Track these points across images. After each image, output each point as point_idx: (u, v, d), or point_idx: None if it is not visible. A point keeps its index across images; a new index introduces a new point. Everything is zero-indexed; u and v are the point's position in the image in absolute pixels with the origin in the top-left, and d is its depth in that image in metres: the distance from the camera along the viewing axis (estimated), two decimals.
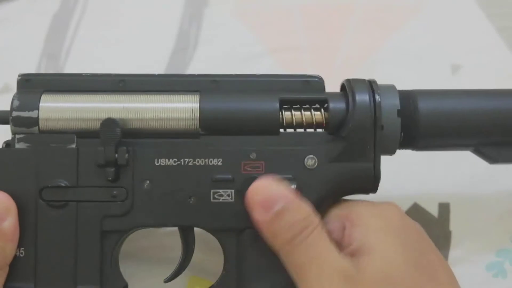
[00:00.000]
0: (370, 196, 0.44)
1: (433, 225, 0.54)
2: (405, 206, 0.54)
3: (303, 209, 0.40)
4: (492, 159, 0.45)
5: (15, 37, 0.61)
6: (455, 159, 0.53)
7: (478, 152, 0.45)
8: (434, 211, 0.54)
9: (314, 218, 0.40)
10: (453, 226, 0.54)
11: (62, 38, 0.61)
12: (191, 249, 0.45)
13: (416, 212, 0.54)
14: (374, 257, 0.39)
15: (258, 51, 0.60)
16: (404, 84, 0.45)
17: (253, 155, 0.42)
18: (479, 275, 0.53)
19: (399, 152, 0.45)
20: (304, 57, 0.59)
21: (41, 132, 0.43)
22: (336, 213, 0.43)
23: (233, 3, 0.62)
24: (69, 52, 0.60)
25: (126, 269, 0.45)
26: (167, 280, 0.45)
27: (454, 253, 0.53)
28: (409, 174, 0.54)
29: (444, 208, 0.54)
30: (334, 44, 0.60)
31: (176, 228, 0.44)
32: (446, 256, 0.53)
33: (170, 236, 0.52)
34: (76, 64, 0.59)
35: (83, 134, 0.42)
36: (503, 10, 0.61)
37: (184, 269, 0.45)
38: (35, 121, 0.42)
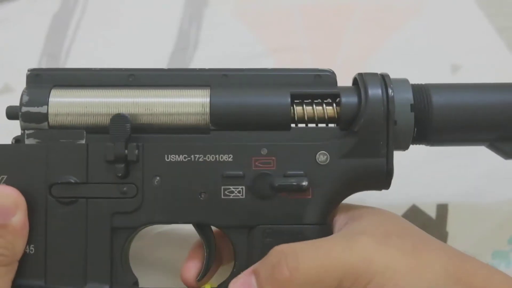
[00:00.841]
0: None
1: (431, 227, 0.54)
2: (404, 208, 0.54)
3: None
4: (507, 155, 0.44)
5: (15, 37, 0.61)
6: (456, 162, 0.53)
7: (493, 147, 0.44)
8: (432, 212, 0.54)
9: None
10: (450, 227, 0.54)
11: (62, 38, 0.61)
12: (213, 243, 0.44)
13: (414, 214, 0.54)
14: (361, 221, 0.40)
15: (258, 51, 0.60)
16: None
17: (264, 151, 0.42)
18: None
19: (400, 154, 0.45)
20: (304, 57, 0.59)
21: (51, 127, 0.42)
22: (343, 211, 0.43)
23: (233, 3, 0.62)
24: (69, 52, 0.60)
25: (136, 265, 0.45)
26: (199, 278, 0.44)
27: None
28: (408, 176, 0.54)
29: (442, 209, 0.54)
30: (334, 44, 0.60)
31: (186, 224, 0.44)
32: None
33: (180, 232, 0.52)
34: (76, 64, 0.59)
35: (93, 130, 0.42)
36: (503, 10, 0.60)
37: (211, 264, 0.44)
38: (44, 116, 0.42)
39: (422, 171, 0.55)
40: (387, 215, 0.42)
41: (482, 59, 0.59)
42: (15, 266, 0.41)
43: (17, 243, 0.41)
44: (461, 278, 0.37)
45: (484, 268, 0.39)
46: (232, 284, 0.39)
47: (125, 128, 0.41)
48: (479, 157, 0.53)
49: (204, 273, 0.44)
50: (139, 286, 0.44)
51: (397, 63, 0.59)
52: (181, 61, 0.59)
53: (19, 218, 0.41)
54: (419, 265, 0.37)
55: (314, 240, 0.39)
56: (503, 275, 0.39)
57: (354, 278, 0.37)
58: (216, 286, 0.43)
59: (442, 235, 0.54)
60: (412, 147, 0.43)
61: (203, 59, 0.59)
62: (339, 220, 0.43)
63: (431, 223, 0.54)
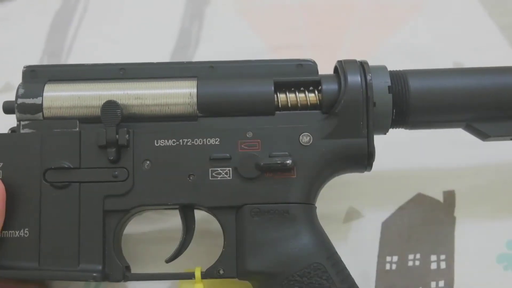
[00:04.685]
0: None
1: (439, 210, 0.52)
2: (409, 195, 0.53)
3: None
4: (483, 135, 0.46)
5: (16, 36, 0.61)
6: (460, 151, 0.53)
7: (470, 128, 0.46)
8: (439, 198, 0.53)
9: None
10: (458, 212, 0.53)
11: (63, 37, 0.61)
12: (192, 229, 0.45)
13: (420, 200, 0.53)
14: None
15: (259, 49, 0.60)
16: None
17: (249, 134, 0.44)
18: (490, 268, 0.51)
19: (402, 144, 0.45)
20: (306, 54, 0.58)
21: (45, 118, 0.44)
22: None
23: (235, 1, 0.62)
24: (70, 51, 0.60)
25: (129, 252, 0.46)
26: (168, 260, 0.45)
27: (462, 241, 0.52)
28: (412, 164, 0.54)
29: (450, 195, 0.53)
30: (336, 42, 0.60)
31: (176, 211, 0.45)
32: (451, 242, 0.51)
33: (171, 218, 0.52)
34: (77, 62, 0.59)
35: (86, 120, 0.44)
36: (505, 8, 0.61)
37: (185, 249, 0.45)
38: (39, 107, 0.44)
39: (426, 160, 0.54)
40: None
41: (484, 57, 0.58)
42: None
43: None
44: None
45: None
46: None
47: (116, 113, 0.43)
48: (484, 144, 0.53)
49: (175, 256, 0.45)
50: (132, 272, 0.45)
51: (398, 61, 0.57)
52: (183, 59, 0.59)
53: None
54: None
55: None
56: None
57: None
58: (204, 270, 0.44)
59: (450, 220, 0.52)
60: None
61: (205, 57, 0.59)
62: None
63: (439, 206, 0.53)
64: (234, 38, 0.60)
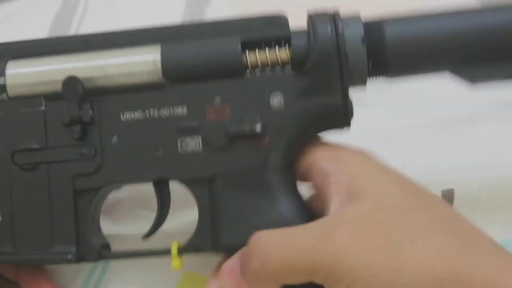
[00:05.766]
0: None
1: None
2: None
3: None
4: (470, 79, 0.43)
5: (16, 36, 0.61)
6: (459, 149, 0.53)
7: (456, 73, 0.43)
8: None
9: None
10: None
11: None
12: (166, 204, 0.44)
13: None
14: (358, 203, 0.37)
15: None
16: (406, 82, 0.45)
17: (217, 100, 0.41)
18: None
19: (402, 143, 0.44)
20: None
21: (10, 98, 0.43)
22: (318, 157, 0.40)
23: (235, 2, 0.62)
24: None
25: (108, 231, 0.45)
26: (145, 236, 0.44)
27: None
28: (411, 163, 0.54)
29: (448, 193, 0.53)
30: None
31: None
32: None
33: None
34: None
35: (51, 97, 0.43)
36: None
37: (161, 225, 0.44)
38: (3, 88, 0.43)
39: (425, 159, 0.55)
40: (397, 189, 0.38)
41: None
42: None
43: None
44: (451, 279, 0.33)
45: (488, 259, 0.34)
46: (224, 265, 0.39)
47: (77, 89, 0.41)
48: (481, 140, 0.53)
49: (152, 231, 0.44)
50: (111, 250, 0.44)
51: None
52: None
53: None
54: (398, 264, 0.34)
55: (292, 228, 0.37)
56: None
57: (325, 274, 0.35)
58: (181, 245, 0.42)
59: None
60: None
61: None
62: (338, 194, 0.39)
63: None
64: None
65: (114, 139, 0.42)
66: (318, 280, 0.35)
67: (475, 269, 0.33)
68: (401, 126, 0.52)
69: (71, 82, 0.41)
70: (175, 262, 0.42)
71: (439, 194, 0.52)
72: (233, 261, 0.39)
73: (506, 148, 0.52)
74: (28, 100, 0.43)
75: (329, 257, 0.35)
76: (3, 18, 0.62)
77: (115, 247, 0.44)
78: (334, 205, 0.38)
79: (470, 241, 0.35)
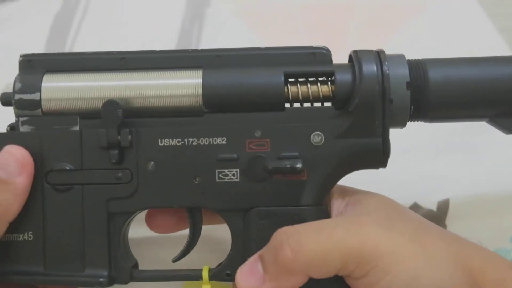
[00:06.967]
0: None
1: (430, 219, 0.53)
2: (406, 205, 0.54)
3: None
4: (508, 129, 0.43)
5: (17, 36, 0.61)
6: (457, 159, 0.53)
7: (493, 122, 0.43)
8: (433, 207, 0.54)
9: None
10: (449, 221, 0.53)
11: (64, 38, 0.61)
12: (199, 228, 0.44)
13: (414, 209, 0.53)
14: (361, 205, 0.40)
15: None
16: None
17: (258, 133, 0.41)
18: None
19: (400, 153, 0.44)
20: None
21: (44, 114, 0.42)
22: (339, 195, 0.43)
23: (235, 3, 0.62)
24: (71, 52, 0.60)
25: (135, 249, 0.45)
26: (175, 260, 0.44)
27: None
28: (409, 173, 0.54)
29: (444, 205, 0.54)
30: (336, 44, 0.59)
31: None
32: None
33: None
34: None
35: (86, 115, 0.42)
36: (505, 10, 0.60)
37: (192, 249, 0.44)
38: (37, 103, 0.42)
39: (423, 169, 0.55)
40: (385, 200, 0.42)
41: None
42: (3, 228, 0.41)
43: (13, 204, 0.40)
44: (461, 262, 0.37)
45: (480, 251, 0.39)
46: (239, 270, 0.39)
47: (117, 114, 0.41)
48: (480, 153, 0.54)
49: (182, 256, 0.44)
50: (139, 268, 0.44)
51: None
52: None
53: (22, 179, 0.40)
54: (424, 251, 0.37)
55: (317, 222, 0.39)
56: (497, 257, 0.39)
57: (358, 261, 0.36)
58: (213, 267, 0.43)
59: None
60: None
61: None
62: (337, 203, 0.42)
63: (432, 214, 0.53)
64: (235, 39, 0.60)
65: (151, 164, 0.42)
66: (347, 271, 0.37)
67: (487, 267, 0.38)
68: (398, 135, 0.52)
69: (111, 106, 0.41)
70: (205, 287, 0.43)
71: (435, 204, 0.52)
72: (250, 263, 0.39)
73: (503, 159, 0.52)
74: (62, 117, 0.42)
75: (364, 244, 0.37)
76: (4, 18, 0.61)
77: (142, 264, 0.45)
78: (337, 208, 0.42)
79: (476, 246, 0.40)
